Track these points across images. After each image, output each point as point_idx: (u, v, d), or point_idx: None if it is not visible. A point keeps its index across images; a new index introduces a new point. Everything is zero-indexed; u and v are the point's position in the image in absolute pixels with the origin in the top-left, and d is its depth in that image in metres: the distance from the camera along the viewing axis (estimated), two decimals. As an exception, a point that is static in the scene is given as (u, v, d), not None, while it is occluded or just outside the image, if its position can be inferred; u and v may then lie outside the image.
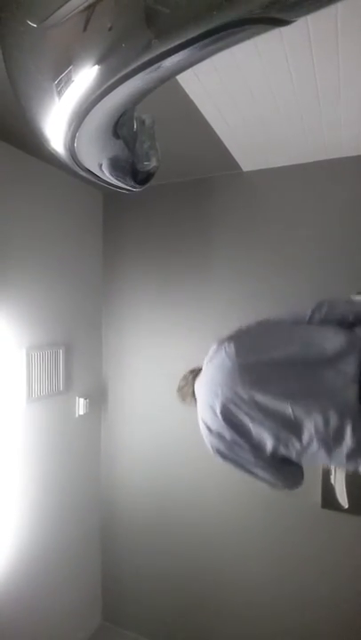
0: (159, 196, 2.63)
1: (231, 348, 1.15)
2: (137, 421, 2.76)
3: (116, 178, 0.81)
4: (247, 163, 2.35)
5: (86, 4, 0.61)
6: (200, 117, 1.81)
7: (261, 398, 1.07)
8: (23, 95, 0.74)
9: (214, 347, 1.24)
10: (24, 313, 2.16)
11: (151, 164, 0.85)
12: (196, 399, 1.27)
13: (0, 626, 2.05)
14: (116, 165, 0.78)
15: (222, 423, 1.13)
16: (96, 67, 0.67)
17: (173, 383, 1.46)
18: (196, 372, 1.33)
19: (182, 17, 0.47)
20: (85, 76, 0.67)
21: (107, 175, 0.78)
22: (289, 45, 1.36)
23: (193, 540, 2.59)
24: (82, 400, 2.59)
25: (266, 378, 1.08)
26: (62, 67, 0.72)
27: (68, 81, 0.70)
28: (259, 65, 1.46)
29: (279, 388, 1.06)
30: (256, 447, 1.11)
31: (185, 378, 1.38)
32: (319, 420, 1.01)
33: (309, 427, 1.02)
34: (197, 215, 2.57)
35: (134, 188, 0.89)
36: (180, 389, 1.39)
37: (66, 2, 0.61)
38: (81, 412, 2.59)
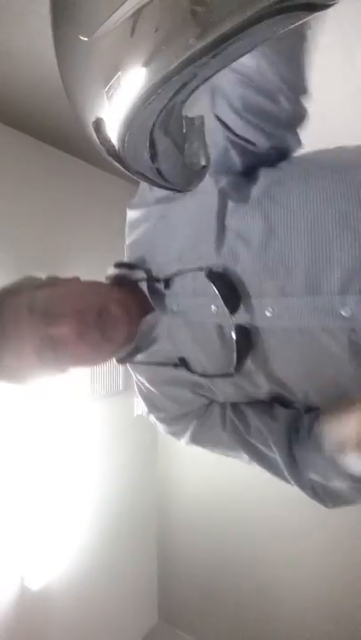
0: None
1: None
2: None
3: (166, 179, 0.82)
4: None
5: (133, 10, 0.63)
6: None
7: None
8: (77, 105, 0.79)
9: None
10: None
11: (200, 164, 0.85)
12: None
13: (62, 620, 2.16)
14: (164, 166, 0.80)
15: None
16: (144, 69, 0.69)
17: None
18: None
19: (219, 12, 0.48)
20: (133, 78, 0.69)
21: (156, 177, 0.79)
22: (354, 36, 1.30)
23: (255, 548, 2.53)
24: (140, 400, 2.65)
25: None
26: (112, 73, 0.75)
27: (118, 86, 0.73)
28: (317, 60, 1.41)
29: None
30: None
31: None
32: None
33: None
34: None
35: (184, 188, 0.90)
36: None
37: (114, 11, 0.63)
38: (138, 412, 2.65)
